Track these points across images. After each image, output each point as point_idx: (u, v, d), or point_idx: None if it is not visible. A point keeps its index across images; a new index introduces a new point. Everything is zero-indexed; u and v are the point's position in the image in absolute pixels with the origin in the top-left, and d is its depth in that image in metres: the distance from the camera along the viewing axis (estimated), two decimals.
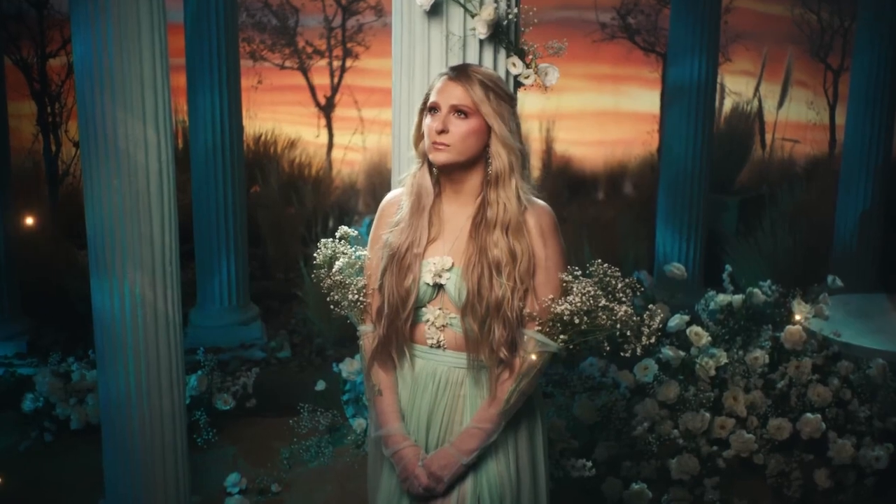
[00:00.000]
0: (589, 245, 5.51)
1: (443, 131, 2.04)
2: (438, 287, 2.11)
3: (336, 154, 7.04)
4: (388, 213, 2.21)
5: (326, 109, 7.02)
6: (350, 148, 7.03)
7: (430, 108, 2.09)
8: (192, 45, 4.69)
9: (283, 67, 6.94)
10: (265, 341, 4.99)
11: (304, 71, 6.97)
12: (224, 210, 4.82)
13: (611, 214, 6.63)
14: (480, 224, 2.08)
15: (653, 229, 5.69)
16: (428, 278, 2.10)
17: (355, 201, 6.90)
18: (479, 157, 2.10)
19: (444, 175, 2.14)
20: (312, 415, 3.90)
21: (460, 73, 2.08)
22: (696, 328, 3.77)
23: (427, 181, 2.14)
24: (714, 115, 5.66)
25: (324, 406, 3.97)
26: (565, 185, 7.22)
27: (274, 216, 6.20)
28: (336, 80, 7.01)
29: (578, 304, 2.03)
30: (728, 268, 4.10)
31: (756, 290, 3.94)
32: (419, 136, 2.14)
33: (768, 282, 4.03)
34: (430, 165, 2.14)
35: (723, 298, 3.96)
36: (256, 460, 3.82)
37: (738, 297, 3.94)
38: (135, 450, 3.03)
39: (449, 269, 2.10)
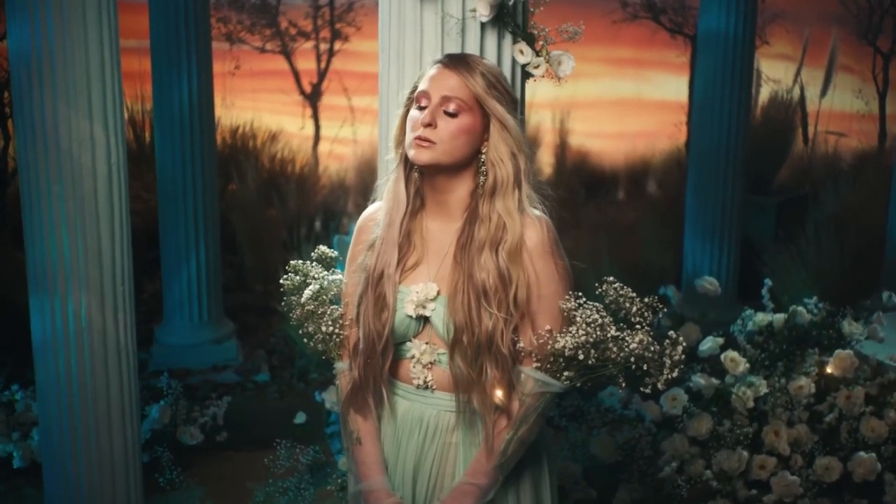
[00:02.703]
0: (608, 253, 5.41)
1: (429, 125, 1.92)
2: (424, 319, 1.99)
3: (323, 148, 6.95)
4: (365, 230, 2.09)
5: (312, 98, 6.94)
6: (339, 141, 6.95)
7: (416, 99, 1.96)
8: (156, 24, 4.60)
9: (263, 51, 6.85)
10: (240, 362, 4.90)
11: (288, 55, 6.89)
12: (194, 212, 4.73)
13: (633, 217, 6.55)
14: (467, 244, 1.95)
15: (680, 234, 5.59)
16: (410, 309, 1.98)
17: (344, 201, 6.82)
18: (469, 164, 1.97)
19: (428, 184, 2.01)
20: (291, 451, 3.82)
21: (458, 62, 1.97)
22: (731, 353, 3.70)
23: (401, 189, 2.01)
24: (750, 103, 5.54)
25: (304, 441, 3.90)
26: (581, 183, 7.12)
27: (252, 219, 6.11)
28: (323, 64, 6.92)
29: (583, 338, 1.90)
30: (768, 282, 4.04)
31: (801, 309, 3.87)
32: (402, 132, 2.01)
33: (814, 299, 3.95)
34: (407, 172, 2.01)
35: (762, 318, 3.89)
36: (227, 503, 3.76)
37: (780, 317, 3.87)
38: (80, 495, 2.97)
39: (434, 299, 1.98)
